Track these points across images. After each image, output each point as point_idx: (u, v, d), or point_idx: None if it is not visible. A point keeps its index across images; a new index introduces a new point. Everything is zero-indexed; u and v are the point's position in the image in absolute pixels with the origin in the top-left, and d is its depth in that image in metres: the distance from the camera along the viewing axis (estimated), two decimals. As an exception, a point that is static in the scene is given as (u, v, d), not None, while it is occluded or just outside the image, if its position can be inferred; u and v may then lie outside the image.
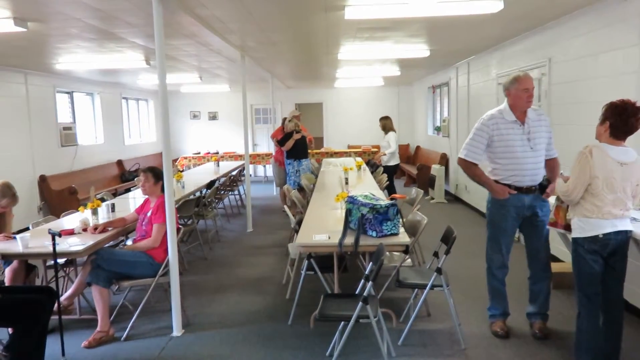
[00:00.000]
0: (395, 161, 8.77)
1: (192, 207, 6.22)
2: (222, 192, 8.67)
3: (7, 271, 4.04)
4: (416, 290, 4.10)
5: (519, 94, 3.67)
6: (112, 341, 3.99)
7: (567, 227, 3.44)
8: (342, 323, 3.48)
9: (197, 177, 8.34)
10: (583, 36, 5.02)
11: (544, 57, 5.88)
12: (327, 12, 4.79)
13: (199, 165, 12.02)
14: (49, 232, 3.54)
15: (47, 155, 9.11)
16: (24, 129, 8.49)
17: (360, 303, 3.12)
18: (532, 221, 3.80)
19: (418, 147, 13.66)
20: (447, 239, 3.82)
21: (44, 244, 3.76)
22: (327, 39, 6.41)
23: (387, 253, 4.32)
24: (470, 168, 3.86)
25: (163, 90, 3.99)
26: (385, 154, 8.63)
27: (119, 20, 4.84)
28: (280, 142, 8.55)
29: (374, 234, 3.76)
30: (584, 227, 3.13)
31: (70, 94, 10.26)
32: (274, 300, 4.83)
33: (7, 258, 3.87)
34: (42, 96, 9.03)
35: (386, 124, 8.71)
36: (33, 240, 3.84)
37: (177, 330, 4.09)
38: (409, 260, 4.39)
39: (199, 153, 14.08)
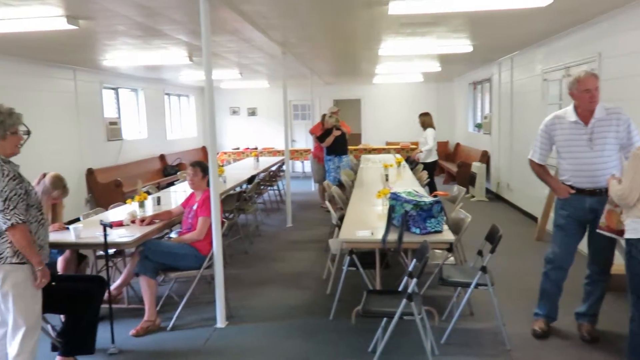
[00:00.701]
0: (433, 158, 8.68)
1: (234, 202, 6.31)
2: (262, 187, 8.75)
3: (60, 260, 4.20)
4: (459, 288, 4.05)
5: (581, 95, 3.54)
6: (158, 330, 4.10)
7: (620, 233, 3.30)
8: (385, 319, 3.48)
9: (237, 172, 8.45)
10: (635, 30, 4.83)
11: (593, 53, 5.69)
12: (370, 7, 4.77)
13: (238, 160, 12.18)
14: (101, 224, 3.66)
15: (94, 149, 9.40)
16: (72, 124, 8.79)
17: (404, 300, 3.11)
18: (595, 224, 3.68)
19: (458, 144, 13.46)
20: (492, 237, 3.76)
21: (95, 235, 3.89)
22: (368, 35, 6.38)
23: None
24: (534, 168, 3.86)
25: (209, 86, 4.05)
26: (421, 151, 8.55)
27: (165, 17, 4.94)
28: (320, 138, 8.58)
29: (418, 231, 3.74)
30: (638, 228, 3.02)
31: (115, 89, 10.55)
32: (315, 295, 4.86)
33: (61, 248, 4.02)
34: (89, 92, 9.32)
35: (425, 121, 8.62)
36: (85, 231, 3.97)
37: (220, 322, 4.17)
38: (452, 258, 4.33)
39: (238, 148, 14.27)
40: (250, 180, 7.79)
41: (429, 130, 8.56)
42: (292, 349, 3.76)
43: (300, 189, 11.67)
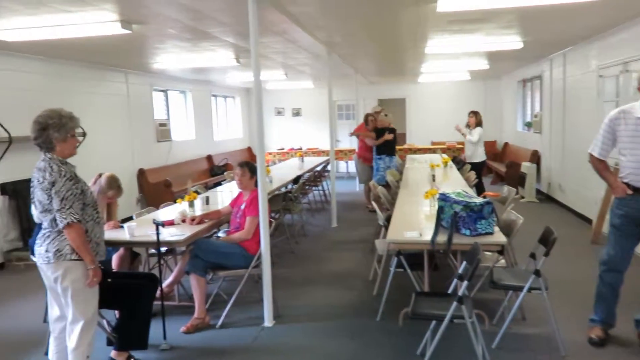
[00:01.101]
0: (481, 158, 8.48)
1: (280, 202, 6.36)
2: (307, 187, 8.79)
3: (114, 257, 4.34)
4: (510, 292, 3.94)
5: None
6: (207, 328, 4.18)
7: None
8: (434, 322, 3.42)
9: (282, 172, 8.52)
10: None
11: (654, 47, 5.43)
12: (418, 5, 4.71)
13: (283, 160, 12.28)
14: (154, 222, 3.76)
15: (145, 150, 9.69)
16: (124, 125, 9.08)
17: (455, 303, 3.05)
18: None
19: (506, 144, 13.12)
20: (546, 240, 3.64)
21: (147, 233, 4.00)
22: (415, 33, 6.30)
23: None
24: (594, 162, 3.72)
25: (257, 87, 4.10)
26: (464, 133, 8.32)
27: (213, 19, 5.03)
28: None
29: (468, 232, 3.66)
30: None
31: (165, 92, 10.83)
32: (361, 295, 4.84)
33: (115, 245, 4.15)
34: (140, 94, 9.61)
35: (478, 119, 8.42)
36: (138, 229, 4.09)
37: (268, 321, 4.21)
38: (502, 260, 4.22)
39: (282, 149, 14.39)
40: (295, 180, 7.84)
41: (477, 129, 8.37)
42: (339, 349, 3.75)
43: (345, 189, 11.65)
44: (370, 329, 4.05)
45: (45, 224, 3.01)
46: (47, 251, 2.98)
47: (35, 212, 3.07)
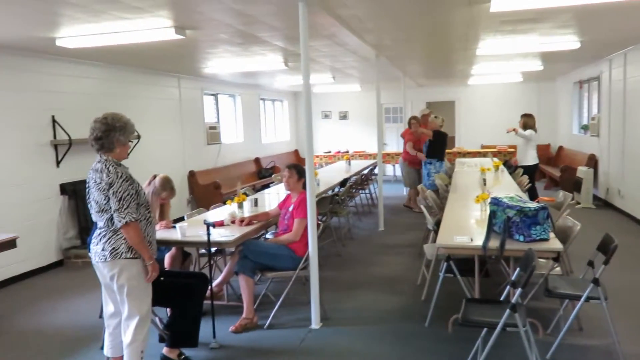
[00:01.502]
0: (534, 161, 8.19)
1: (327, 204, 6.37)
2: (354, 190, 8.77)
3: (167, 257, 4.46)
4: (567, 301, 3.80)
5: None
6: (255, 328, 4.22)
7: None
8: (486, 330, 3.33)
9: (329, 175, 8.53)
10: None
11: None
12: (471, 5, 4.61)
13: (330, 163, 12.30)
14: (205, 223, 3.84)
15: (196, 153, 9.92)
16: (177, 129, 9.34)
17: (508, 310, 2.95)
18: None
19: (560, 148, 12.67)
20: (606, 247, 3.48)
21: (198, 233, 4.08)
22: (466, 34, 6.18)
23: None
24: None
25: (307, 91, 4.13)
26: (516, 131, 8.01)
27: (264, 24, 5.10)
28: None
29: (521, 238, 3.55)
30: None
31: (215, 96, 11.07)
32: (409, 300, 4.77)
33: (168, 245, 4.26)
34: (192, 98, 9.85)
35: (527, 122, 8.14)
36: (189, 230, 4.18)
37: (315, 323, 4.21)
38: (558, 268, 4.07)
39: (329, 152, 14.41)
40: (342, 183, 7.83)
41: (528, 131, 8.08)
42: (387, 354, 3.71)
43: (392, 192, 11.55)
44: (418, 335, 3.99)
45: (101, 224, 3.11)
46: (103, 250, 3.08)
47: (91, 211, 3.18)
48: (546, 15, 5.14)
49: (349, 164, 10.16)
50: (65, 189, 6.61)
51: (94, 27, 4.83)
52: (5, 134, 5.78)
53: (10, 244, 4.49)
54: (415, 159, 8.96)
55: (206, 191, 9.46)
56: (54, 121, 6.42)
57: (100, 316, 3.38)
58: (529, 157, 8.09)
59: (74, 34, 5.14)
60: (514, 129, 8.05)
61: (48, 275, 6.17)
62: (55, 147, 6.47)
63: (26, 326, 4.54)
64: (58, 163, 6.51)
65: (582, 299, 3.36)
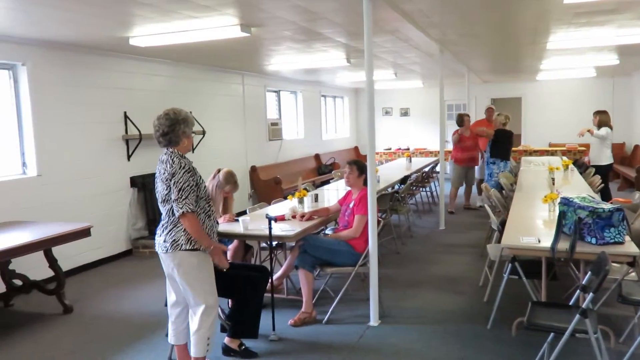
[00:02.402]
0: (608, 161, 7.76)
1: (387, 202, 6.32)
2: (414, 188, 8.65)
3: (229, 249, 4.57)
4: (642, 308, 3.58)
5: None
6: (314, 323, 4.26)
7: None
8: (552, 335, 3.20)
9: (389, 172, 8.45)
10: None
11: None
12: (542, -3, 4.43)
13: (390, 160, 12.18)
14: (267, 217, 3.90)
15: (258, 148, 10.12)
16: (240, 124, 9.55)
17: (578, 315, 2.82)
18: None
19: (636, 147, 11.94)
20: (688, 253, 3.25)
21: (260, 227, 4.15)
22: (536, 28, 5.94)
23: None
24: None
25: (370, 87, 4.11)
26: (591, 132, 7.60)
27: (328, 20, 5.11)
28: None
29: (594, 240, 3.38)
30: None
31: (277, 92, 11.23)
32: (471, 301, 4.66)
33: (230, 237, 4.37)
34: (255, 95, 10.05)
35: (602, 119, 7.71)
36: (252, 223, 4.27)
37: (374, 320, 4.20)
38: (633, 273, 3.84)
39: (389, 149, 14.28)
40: (403, 180, 7.74)
41: (604, 129, 7.67)
42: (448, 354, 3.64)
43: (453, 191, 11.27)
44: (480, 337, 3.89)
45: (164, 214, 3.22)
46: (165, 241, 3.18)
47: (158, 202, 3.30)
48: (625, 5, 4.85)
49: (410, 161, 10.03)
50: (135, 181, 6.92)
51: (165, 26, 5.01)
52: (82, 129, 6.12)
53: (85, 232, 4.75)
54: (462, 157, 8.72)
55: (267, 186, 9.62)
56: (125, 117, 6.73)
57: (165, 304, 3.51)
58: (604, 157, 7.67)
59: (146, 33, 5.36)
60: (588, 130, 7.66)
61: (117, 263, 6.49)
62: (127, 141, 6.79)
63: (97, 311, 4.80)
64: (129, 157, 6.83)
65: (660, 307, 3.16)
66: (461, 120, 8.79)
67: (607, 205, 3.50)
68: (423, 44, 6.84)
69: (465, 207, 9.28)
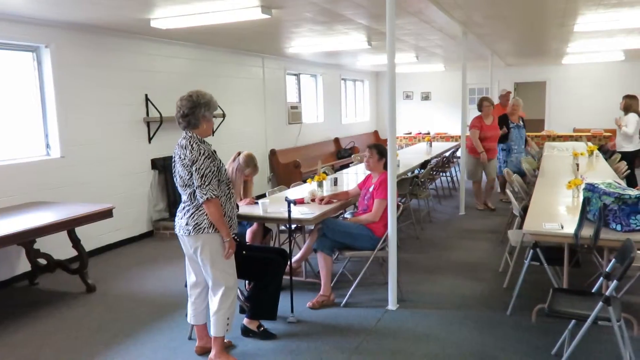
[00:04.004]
0: (634, 147, 7.55)
1: (407, 186, 6.28)
2: (435, 172, 8.57)
3: (248, 232, 4.60)
4: (667, 297, 3.51)
5: None
6: (332, 306, 4.27)
7: None
8: (574, 322, 3.16)
9: (409, 157, 8.38)
10: None
11: None
12: (570, -23, 4.30)
13: (410, 145, 12.09)
14: (286, 200, 3.91)
15: (277, 132, 10.11)
16: (260, 108, 9.55)
17: (601, 303, 2.77)
18: None
19: (665, 133, 11.63)
20: None
21: (280, 210, 4.17)
22: (564, 9, 5.78)
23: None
24: None
25: (391, 70, 4.04)
26: (621, 126, 7.40)
27: (349, 1, 5.04)
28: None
29: (619, 227, 3.31)
30: None
31: (297, 75, 11.17)
32: (490, 287, 4.62)
33: (250, 220, 4.39)
34: (275, 78, 10.01)
35: (630, 104, 7.48)
36: (271, 206, 4.28)
37: (392, 304, 4.19)
38: (659, 262, 3.76)
39: (410, 133, 14.17)
40: (423, 165, 7.67)
41: (631, 115, 7.47)
42: (466, 340, 3.62)
43: (474, 176, 11.15)
44: (500, 323, 3.86)
45: (184, 197, 3.24)
46: (187, 224, 3.20)
47: (177, 185, 3.32)
48: (657, -15, 4.69)
49: (430, 146, 9.92)
50: (155, 164, 6.98)
51: (186, 7, 5.00)
52: (104, 111, 6.18)
53: (107, 213, 4.83)
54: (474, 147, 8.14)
55: (286, 170, 9.63)
56: (147, 99, 6.77)
57: (185, 285, 3.55)
58: (631, 143, 7.48)
59: (167, 15, 5.35)
60: (618, 125, 7.47)
61: (139, 244, 6.58)
62: (148, 124, 6.84)
63: (119, 290, 4.88)
64: (150, 139, 6.88)
65: (687, 297, 3.09)
66: (481, 105, 8.18)
67: (633, 192, 3.42)
68: (446, 26, 6.72)
69: (482, 205, 7.97)
